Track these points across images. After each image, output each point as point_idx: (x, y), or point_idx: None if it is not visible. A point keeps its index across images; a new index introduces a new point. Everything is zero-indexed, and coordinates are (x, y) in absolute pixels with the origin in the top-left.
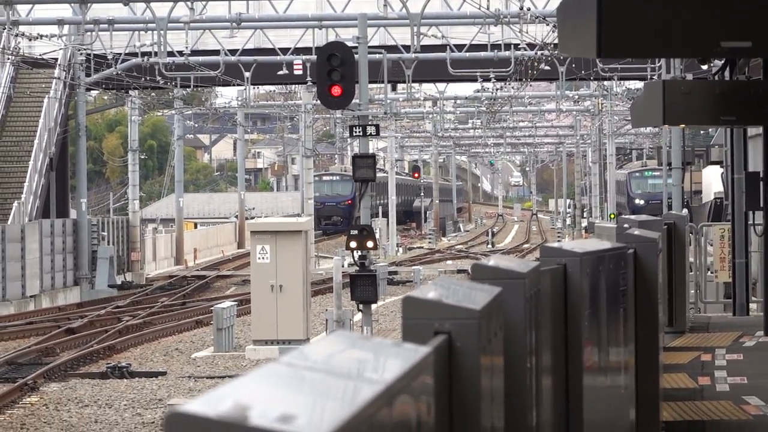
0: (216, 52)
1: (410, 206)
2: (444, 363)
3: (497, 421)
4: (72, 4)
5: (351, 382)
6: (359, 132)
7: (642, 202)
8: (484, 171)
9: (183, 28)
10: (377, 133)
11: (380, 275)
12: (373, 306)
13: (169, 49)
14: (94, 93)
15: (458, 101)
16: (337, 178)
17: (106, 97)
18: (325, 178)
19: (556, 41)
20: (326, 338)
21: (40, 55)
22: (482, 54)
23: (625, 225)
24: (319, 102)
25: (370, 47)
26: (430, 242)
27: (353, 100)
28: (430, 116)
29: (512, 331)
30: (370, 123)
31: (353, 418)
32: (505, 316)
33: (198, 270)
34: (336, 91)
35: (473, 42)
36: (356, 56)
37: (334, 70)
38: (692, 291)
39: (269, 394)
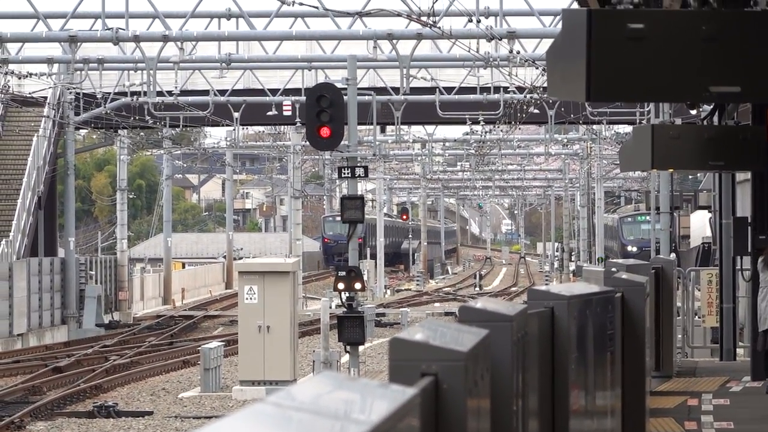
0: (205, 92)
1: (398, 248)
2: (430, 405)
3: None
4: (61, 43)
5: (337, 423)
6: (348, 173)
7: (634, 249)
8: (472, 213)
9: (172, 68)
10: (366, 175)
11: (368, 317)
12: (361, 347)
13: (158, 89)
14: (83, 132)
15: (447, 143)
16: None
17: (95, 136)
18: (337, 218)
19: (545, 85)
20: (313, 379)
21: (29, 93)
22: (471, 97)
23: (613, 269)
24: (308, 143)
25: (359, 89)
26: (417, 284)
27: (342, 142)
28: (419, 158)
29: (499, 373)
30: (358, 164)
31: None
32: (492, 359)
33: (185, 310)
34: (325, 132)
35: (462, 84)
36: (345, 97)
37: (323, 111)
38: (679, 336)
39: None
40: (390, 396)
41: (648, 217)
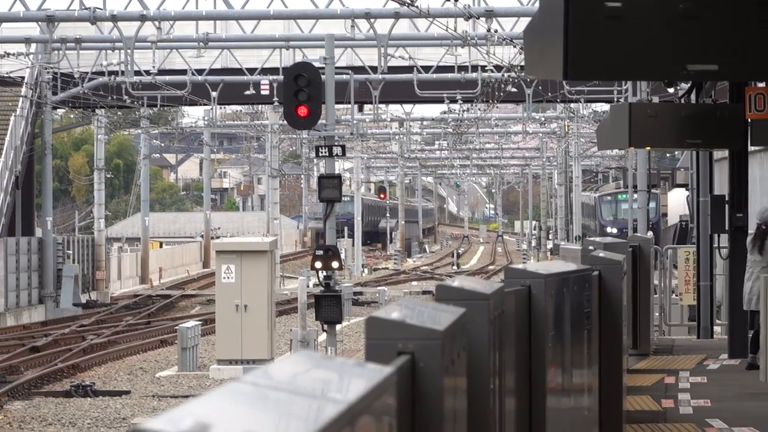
0: (183, 72)
1: (376, 227)
2: (407, 383)
3: None
4: (39, 23)
5: (313, 402)
6: (325, 152)
7: (614, 230)
8: (450, 192)
9: (150, 47)
10: (343, 154)
11: (345, 296)
12: (338, 326)
13: (135, 69)
14: (60, 112)
15: (425, 122)
16: (348, 198)
17: (72, 116)
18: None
19: (522, 63)
20: (289, 358)
21: (6, 73)
22: (449, 75)
23: (590, 247)
24: (285, 122)
25: (337, 68)
26: (395, 263)
27: (320, 121)
28: (397, 137)
29: (476, 352)
30: (336, 143)
31: None
32: (468, 337)
33: (163, 289)
34: (302, 111)
35: (440, 63)
36: (323, 77)
37: (301, 91)
38: (657, 314)
39: (231, 412)
40: (366, 375)
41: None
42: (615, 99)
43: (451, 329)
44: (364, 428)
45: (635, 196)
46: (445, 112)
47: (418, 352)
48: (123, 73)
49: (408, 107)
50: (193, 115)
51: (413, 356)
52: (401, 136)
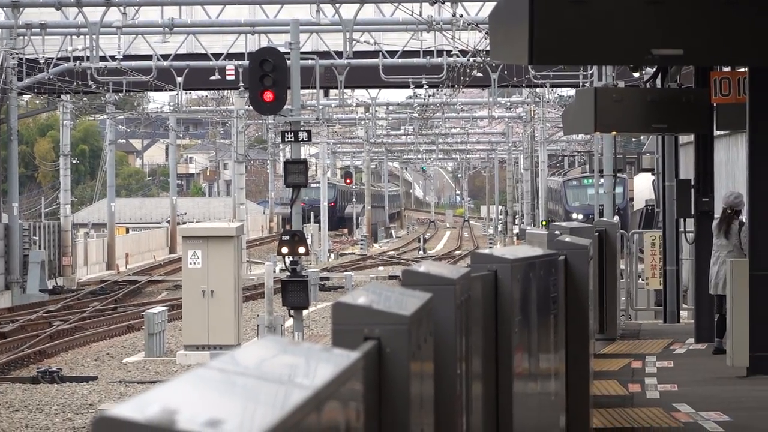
0: (148, 57)
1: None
2: (373, 369)
3: (427, 427)
4: (4, 9)
5: (279, 387)
6: (291, 138)
7: (580, 216)
8: (416, 177)
9: (115, 32)
10: (309, 139)
11: (312, 281)
12: (305, 312)
13: (101, 54)
14: (26, 97)
15: (390, 107)
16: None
17: (38, 102)
18: (313, 185)
19: (488, 48)
20: (256, 343)
21: None
22: (415, 60)
23: (556, 232)
24: (251, 107)
25: (302, 53)
26: (361, 248)
27: (285, 106)
28: (363, 122)
29: (442, 337)
30: (302, 129)
31: (281, 423)
32: (435, 322)
33: (129, 275)
34: (268, 96)
35: (406, 48)
36: (288, 62)
37: (267, 76)
38: (623, 298)
39: (198, 398)
40: (333, 360)
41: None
42: (580, 84)
43: (418, 314)
44: (330, 414)
45: (601, 180)
46: (410, 97)
47: (385, 337)
48: (88, 58)
49: (374, 92)
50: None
51: (380, 342)
52: (367, 121)
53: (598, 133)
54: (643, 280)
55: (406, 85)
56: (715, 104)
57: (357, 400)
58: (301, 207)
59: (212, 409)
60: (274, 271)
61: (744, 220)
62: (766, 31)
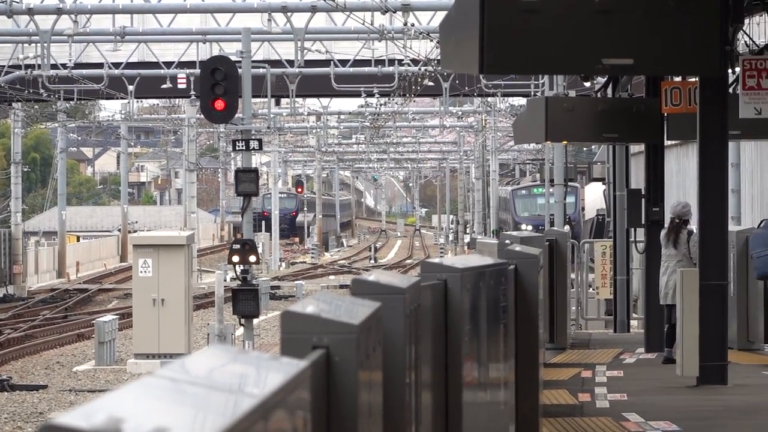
0: (100, 65)
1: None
2: (322, 377)
3: None
4: None
5: (226, 396)
6: (242, 146)
7: (529, 227)
8: (367, 186)
9: (67, 40)
10: (260, 148)
11: (262, 290)
12: (255, 320)
13: (52, 62)
14: None
15: (342, 116)
16: (284, 195)
17: None
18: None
19: (439, 57)
20: (203, 352)
21: None
22: (366, 69)
23: (507, 241)
24: (202, 116)
25: (253, 62)
26: (312, 257)
27: (236, 114)
28: (314, 131)
29: (391, 346)
30: (253, 137)
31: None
32: (384, 331)
33: (80, 283)
34: (219, 105)
35: (357, 57)
36: (240, 70)
37: (218, 84)
38: (573, 308)
39: (145, 406)
40: (280, 369)
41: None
42: (532, 93)
43: (367, 323)
44: (277, 423)
45: (552, 190)
46: (362, 106)
47: (333, 346)
48: (39, 66)
49: (325, 101)
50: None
51: (328, 350)
52: (318, 129)
53: (549, 142)
54: (593, 289)
55: (357, 94)
56: (665, 114)
57: (305, 408)
58: (264, 216)
59: (159, 417)
60: (225, 280)
61: (692, 230)
62: (715, 41)
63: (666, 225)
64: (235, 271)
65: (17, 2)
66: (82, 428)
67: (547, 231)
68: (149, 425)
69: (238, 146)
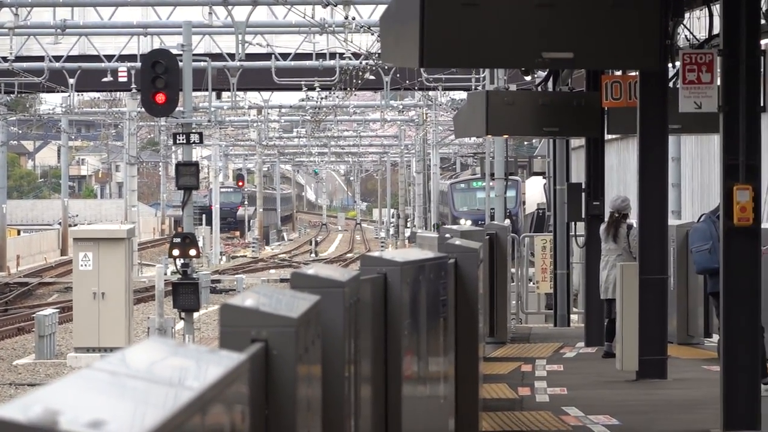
0: (40, 59)
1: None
2: (260, 371)
3: (314, 430)
4: None
5: (163, 388)
6: (183, 140)
7: (468, 222)
8: (308, 180)
9: (7, 33)
10: (201, 141)
11: (203, 283)
12: (195, 314)
13: None
14: None
15: (283, 110)
16: (231, 189)
17: None
18: (222, 190)
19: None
20: (141, 345)
21: None
22: (307, 63)
23: (447, 235)
24: (143, 109)
25: (194, 55)
26: (253, 251)
27: (177, 108)
28: (255, 125)
29: (331, 339)
30: (193, 131)
31: (164, 425)
32: (323, 325)
33: (20, 277)
34: (160, 98)
35: (298, 51)
36: (181, 64)
37: (159, 78)
38: (514, 302)
39: (83, 399)
40: (219, 362)
41: (485, 183)
42: (472, 87)
43: (306, 317)
44: (215, 416)
45: (492, 184)
46: (303, 100)
47: (272, 339)
48: None
49: (266, 95)
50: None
51: (267, 344)
52: (259, 123)
53: (489, 136)
54: (533, 283)
55: (298, 88)
56: (606, 108)
57: (243, 402)
58: (211, 209)
59: (96, 409)
60: (166, 274)
61: (632, 224)
62: (655, 35)
63: (606, 219)
64: (176, 265)
65: None
66: (19, 421)
67: (487, 225)
68: (86, 418)
69: (179, 140)
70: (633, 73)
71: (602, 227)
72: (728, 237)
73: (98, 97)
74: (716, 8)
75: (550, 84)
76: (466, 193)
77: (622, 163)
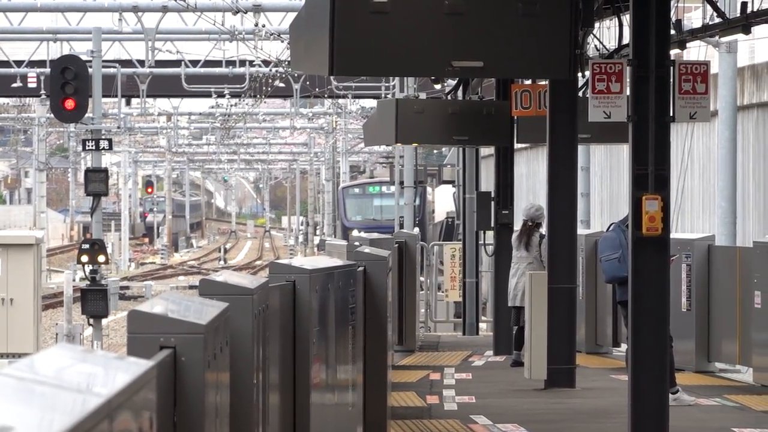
0: None
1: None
2: (168, 378)
3: None
4: None
5: (71, 395)
6: (92, 146)
7: (362, 233)
8: (217, 187)
9: None
10: (110, 148)
11: (111, 290)
12: (104, 321)
13: None
14: None
15: (193, 117)
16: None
17: None
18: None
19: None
20: (49, 351)
21: None
22: (217, 70)
23: (356, 243)
24: (52, 115)
25: (104, 61)
26: (162, 257)
27: (87, 114)
28: (165, 131)
29: (239, 346)
30: (103, 137)
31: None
32: (232, 332)
33: None
34: (69, 104)
35: (208, 58)
36: (90, 70)
37: (68, 84)
38: (422, 310)
39: None
40: (126, 369)
41: (384, 188)
42: (382, 95)
43: (214, 323)
44: (123, 423)
45: (392, 189)
46: (213, 107)
47: (180, 346)
48: None
49: (176, 101)
50: None
51: (175, 350)
52: (169, 130)
53: (399, 144)
54: (442, 292)
55: (208, 95)
56: (515, 117)
57: (151, 408)
58: (145, 216)
59: (4, 415)
60: (74, 280)
61: (544, 233)
62: (564, 45)
63: (518, 227)
64: (84, 271)
65: None
66: None
67: (396, 233)
68: None
69: (88, 146)
70: (543, 82)
71: (514, 235)
72: (637, 246)
73: (7, 103)
74: (626, 18)
75: (460, 93)
76: (361, 199)
77: (532, 172)
